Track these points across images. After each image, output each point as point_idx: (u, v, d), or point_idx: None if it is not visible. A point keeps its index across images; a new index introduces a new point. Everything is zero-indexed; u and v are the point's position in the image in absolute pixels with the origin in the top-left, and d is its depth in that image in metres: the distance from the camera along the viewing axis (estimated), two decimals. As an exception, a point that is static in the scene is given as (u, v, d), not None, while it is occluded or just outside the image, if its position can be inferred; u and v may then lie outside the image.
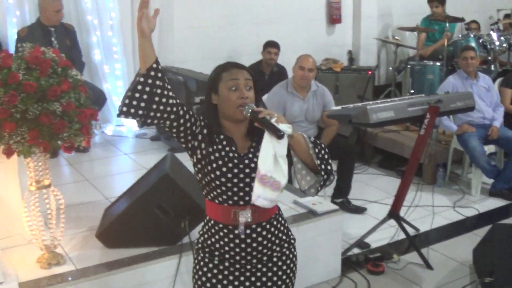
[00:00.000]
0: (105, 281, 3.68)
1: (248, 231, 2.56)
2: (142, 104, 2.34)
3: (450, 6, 9.12)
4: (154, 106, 2.36)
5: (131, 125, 7.35)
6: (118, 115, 2.39)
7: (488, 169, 6.21)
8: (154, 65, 2.37)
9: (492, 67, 7.99)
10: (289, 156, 2.46)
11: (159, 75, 2.37)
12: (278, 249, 2.66)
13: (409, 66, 8.12)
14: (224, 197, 2.53)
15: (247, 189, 2.51)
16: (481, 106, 6.30)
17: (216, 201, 2.56)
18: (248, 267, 2.62)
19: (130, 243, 3.95)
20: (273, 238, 2.63)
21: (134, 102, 2.33)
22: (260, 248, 2.60)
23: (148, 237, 3.93)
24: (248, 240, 2.57)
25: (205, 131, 2.53)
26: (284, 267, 2.69)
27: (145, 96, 2.34)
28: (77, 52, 6.71)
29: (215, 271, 2.62)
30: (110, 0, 7.28)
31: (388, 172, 7.08)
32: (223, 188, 2.51)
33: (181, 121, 2.46)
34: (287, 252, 2.70)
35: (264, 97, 5.99)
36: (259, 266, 2.63)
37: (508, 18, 9.47)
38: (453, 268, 4.82)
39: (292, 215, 4.50)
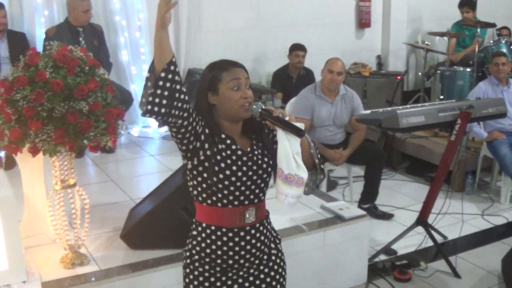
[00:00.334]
0: (129, 283, 3.65)
1: (252, 231, 2.53)
2: (164, 102, 2.24)
3: (481, 11, 9.04)
4: (175, 103, 2.26)
5: (157, 126, 7.32)
6: (143, 114, 2.29)
7: (518, 177, 6.11)
8: (174, 59, 2.27)
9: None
10: None
11: (177, 70, 2.28)
12: (273, 245, 2.67)
13: (438, 71, 8.03)
14: (231, 197, 2.48)
15: (253, 187, 2.50)
16: (512, 113, 6.20)
17: (219, 204, 2.49)
18: (251, 271, 2.59)
19: (154, 244, 3.92)
20: (269, 235, 2.64)
21: (157, 100, 2.23)
22: (262, 247, 2.59)
23: (172, 239, 3.87)
24: (253, 241, 2.54)
25: (206, 130, 2.44)
26: (282, 263, 2.71)
27: (166, 93, 2.23)
28: (105, 52, 6.72)
29: (218, 284, 2.55)
30: (139, 1, 7.30)
31: (416, 178, 7.00)
32: (231, 188, 2.46)
33: (191, 119, 2.36)
34: (279, 248, 2.72)
35: (292, 101, 5.96)
36: (261, 267, 2.62)
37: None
38: (481, 277, 4.74)
39: (318, 220, 4.45)
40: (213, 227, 2.52)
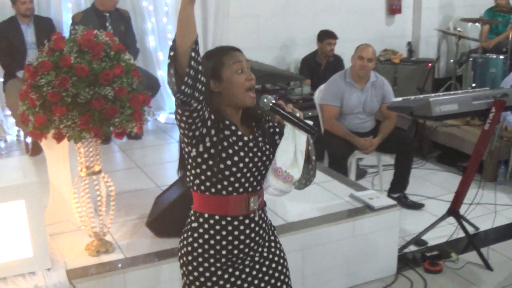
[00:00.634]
0: (154, 271, 3.62)
1: (256, 218, 2.50)
2: (191, 82, 2.14)
3: (515, -3, 8.87)
4: (197, 84, 2.18)
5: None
6: (176, 94, 2.17)
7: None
8: (197, 39, 2.18)
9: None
10: None
11: (199, 49, 2.19)
12: (270, 232, 2.66)
13: (471, 59, 7.90)
14: (236, 185, 2.41)
15: (256, 173, 2.46)
16: (546, 102, 6.06)
17: (224, 191, 2.41)
18: (256, 258, 2.55)
19: (180, 232, 3.86)
20: (268, 221, 2.65)
21: (190, 81, 2.14)
22: (264, 234, 2.56)
23: (198, 227, 3.85)
24: (257, 228, 2.50)
25: (212, 116, 2.36)
26: (282, 248, 2.70)
27: (193, 73, 2.14)
28: (132, 38, 6.69)
29: (226, 276, 2.49)
30: (166, -14, 7.24)
31: (447, 167, 6.89)
32: (238, 175, 2.39)
33: (204, 103, 2.27)
34: (275, 234, 2.70)
35: (321, 87, 5.87)
36: (265, 253, 2.59)
37: None
38: (514, 269, 4.65)
39: (347, 209, 4.40)
40: (216, 217, 2.44)
